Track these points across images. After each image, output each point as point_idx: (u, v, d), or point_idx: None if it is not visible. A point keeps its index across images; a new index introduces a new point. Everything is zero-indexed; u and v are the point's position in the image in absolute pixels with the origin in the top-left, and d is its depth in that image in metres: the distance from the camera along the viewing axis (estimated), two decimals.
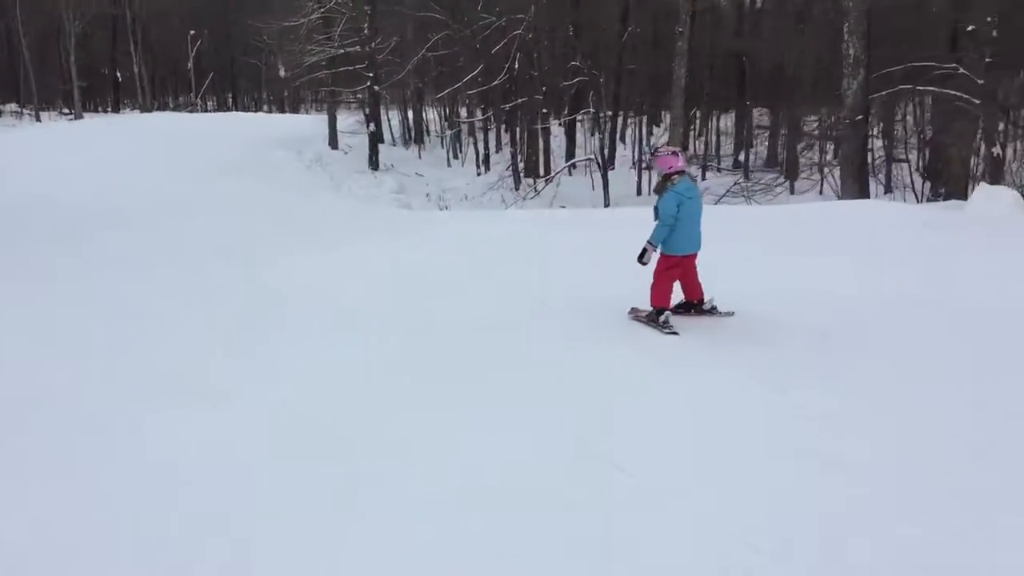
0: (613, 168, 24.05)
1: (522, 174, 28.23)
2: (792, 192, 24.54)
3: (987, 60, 13.22)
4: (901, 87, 16.17)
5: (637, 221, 7.95)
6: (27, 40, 51.99)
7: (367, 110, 33.06)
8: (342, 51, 32.03)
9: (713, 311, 7.14)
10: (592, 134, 25.56)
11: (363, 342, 7.14)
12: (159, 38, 60.38)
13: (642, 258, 6.76)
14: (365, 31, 31.07)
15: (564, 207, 24.50)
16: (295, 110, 71.54)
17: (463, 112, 38.74)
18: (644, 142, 28.89)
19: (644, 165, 30.20)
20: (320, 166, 30.90)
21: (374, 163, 32.31)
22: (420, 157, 36.01)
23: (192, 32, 56.08)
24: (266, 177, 26.48)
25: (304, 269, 10.45)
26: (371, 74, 31.61)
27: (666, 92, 29.44)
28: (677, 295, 7.13)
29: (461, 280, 9.36)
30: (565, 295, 8.26)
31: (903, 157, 21.82)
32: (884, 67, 15.84)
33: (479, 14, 26.67)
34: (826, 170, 23.33)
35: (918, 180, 20.34)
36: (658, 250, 6.81)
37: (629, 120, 33.48)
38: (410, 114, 40.39)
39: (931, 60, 15.10)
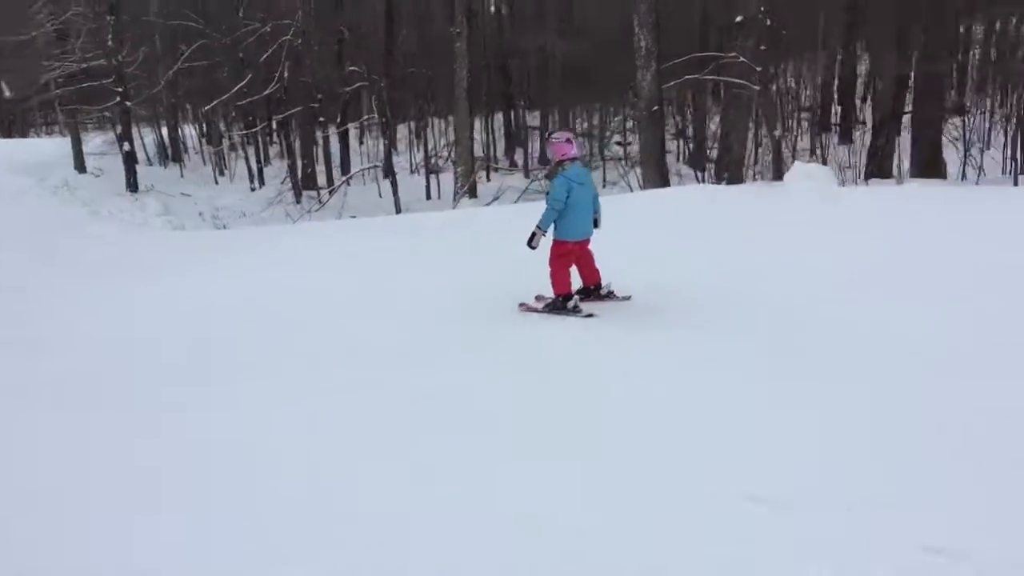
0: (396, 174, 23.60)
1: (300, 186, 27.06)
2: None
3: (763, 48, 14.16)
4: (686, 77, 17.01)
5: (490, 219, 7.70)
6: None
7: (118, 129, 30.35)
8: (84, 66, 29.19)
9: (611, 295, 7.11)
10: (379, 139, 24.93)
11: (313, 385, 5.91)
12: None
13: (531, 242, 6.67)
14: (109, 43, 28.46)
15: (354, 216, 23.79)
16: (23, 134, 64.69)
17: (222, 126, 36.70)
18: (425, 147, 28.62)
19: (429, 170, 30.11)
20: (68, 191, 27.97)
21: (132, 185, 29.70)
22: (183, 176, 33.64)
23: None
24: (6, 206, 23.62)
25: (128, 309, 8.95)
26: (120, 89, 29.05)
27: (443, 96, 29.55)
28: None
29: (361, 299, 8.46)
30: (472, 297, 7.73)
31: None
32: (671, 59, 16.55)
33: (240, 20, 25.18)
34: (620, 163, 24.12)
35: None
36: (547, 235, 6.71)
37: (408, 125, 33.10)
38: (165, 131, 37.70)
39: (716, 51, 16.15)
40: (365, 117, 23.89)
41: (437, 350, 6.25)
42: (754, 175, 19.95)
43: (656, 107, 15.65)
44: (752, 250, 8.80)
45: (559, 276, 6.74)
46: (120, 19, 28.98)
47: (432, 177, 26.27)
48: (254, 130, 27.48)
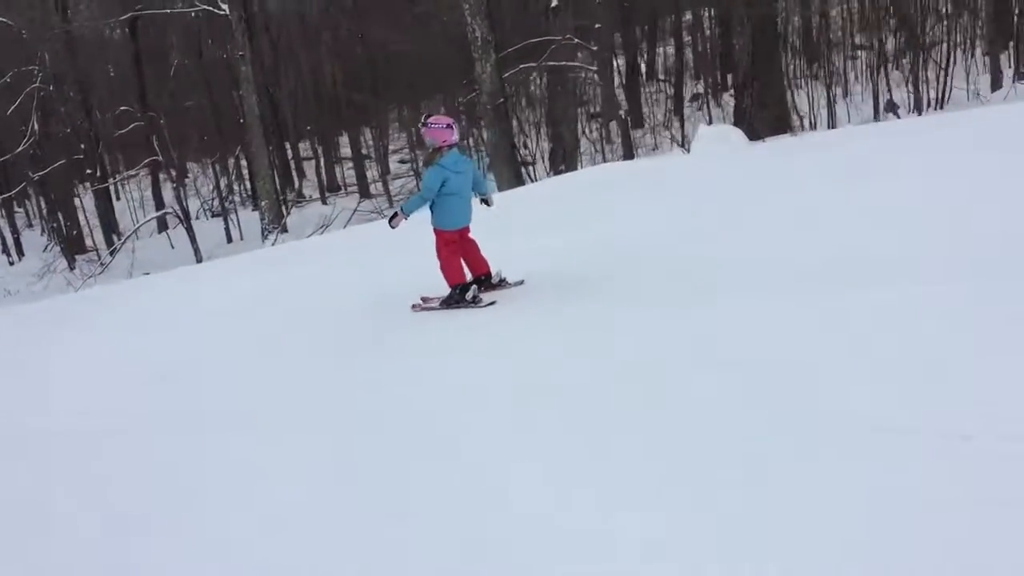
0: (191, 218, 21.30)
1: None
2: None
3: (597, 26, 13.87)
4: (523, 65, 16.38)
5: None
6: None
7: None
8: None
9: (503, 283, 6.69)
10: (148, 189, 22.45)
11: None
12: None
13: (392, 221, 6.46)
14: None
15: (148, 273, 21.33)
16: None
17: None
18: (218, 185, 26.32)
19: (213, 213, 27.72)
20: None
21: None
22: None
23: None
24: None
25: None
26: None
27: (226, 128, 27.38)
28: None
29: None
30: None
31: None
32: (503, 48, 15.81)
33: None
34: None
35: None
36: (420, 215, 6.41)
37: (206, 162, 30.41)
38: None
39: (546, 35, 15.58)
40: (154, 159, 21.18)
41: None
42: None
43: (501, 99, 14.94)
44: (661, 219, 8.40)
45: (450, 265, 6.33)
46: None
47: (229, 219, 24.20)
48: (9, 194, 24.02)
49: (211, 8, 19.71)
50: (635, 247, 7.41)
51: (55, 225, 23.48)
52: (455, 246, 6.36)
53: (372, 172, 29.27)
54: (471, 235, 6.59)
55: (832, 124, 18.44)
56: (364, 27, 26.72)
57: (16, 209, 31.95)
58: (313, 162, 32.16)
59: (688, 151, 13.25)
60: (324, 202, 27.04)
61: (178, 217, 21.13)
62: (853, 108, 20.82)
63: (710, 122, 23.84)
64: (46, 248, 27.66)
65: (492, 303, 6.22)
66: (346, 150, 31.44)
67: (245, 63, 19.43)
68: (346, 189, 29.30)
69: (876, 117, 19.40)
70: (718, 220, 7.77)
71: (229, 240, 23.44)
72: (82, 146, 23.33)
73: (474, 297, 6.27)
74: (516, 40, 16.75)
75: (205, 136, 27.34)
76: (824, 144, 10.95)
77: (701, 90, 29.38)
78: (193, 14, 21.41)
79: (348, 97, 27.41)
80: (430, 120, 6.35)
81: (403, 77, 27.20)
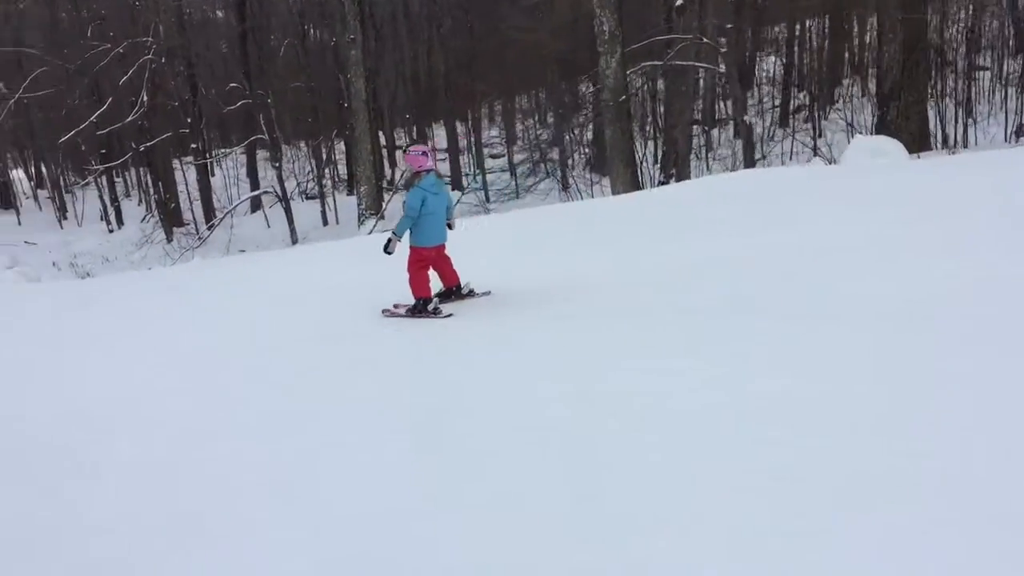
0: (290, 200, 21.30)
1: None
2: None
3: (728, 26, 13.28)
4: (646, 64, 15.85)
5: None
6: None
7: None
8: None
9: (471, 294, 7.44)
10: (272, 164, 22.49)
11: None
12: None
13: (387, 247, 7.02)
14: None
15: (244, 251, 21.46)
16: None
17: (55, 168, 32.89)
18: (319, 169, 26.40)
19: (306, 196, 27.87)
20: None
21: None
22: (20, 223, 29.88)
23: None
24: None
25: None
26: None
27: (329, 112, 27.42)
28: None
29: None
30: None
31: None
32: (628, 44, 15.23)
33: (90, 43, 22.30)
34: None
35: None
36: (402, 241, 7.03)
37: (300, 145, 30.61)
38: None
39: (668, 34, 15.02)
40: (259, 136, 21.19)
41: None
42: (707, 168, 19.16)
43: (624, 96, 14.38)
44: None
45: (417, 280, 7.09)
46: None
47: (328, 201, 24.22)
48: (116, 163, 24.42)
49: None
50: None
51: (157, 197, 23.75)
52: (426, 263, 7.10)
53: (463, 165, 29.07)
54: (446, 252, 7.31)
55: (964, 143, 17.50)
56: (472, 16, 26.41)
57: (115, 178, 32.74)
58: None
59: (832, 162, 12.50)
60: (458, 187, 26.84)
61: (277, 196, 21.17)
62: (980, 130, 19.82)
63: (819, 134, 22.99)
64: (144, 219, 28.19)
65: (450, 315, 6.93)
66: (439, 139, 31.26)
67: (355, 47, 19.28)
68: None
69: (1006, 139, 18.42)
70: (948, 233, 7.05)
71: (325, 223, 23.47)
72: (188, 120, 23.56)
73: (434, 309, 7.00)
74: (636, 37, 16.19)
75: (309, 119, 27.37)
76: (990, 163, 10.15)
77: (806, 101, 28.46)
78: None
79: (448, 87, 27.12)
80: (410, 148, 7.26)
81: (506, 68, 26.79)
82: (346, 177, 28.73)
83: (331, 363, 6.01)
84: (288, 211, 20.81)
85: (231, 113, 24.29)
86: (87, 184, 27.96)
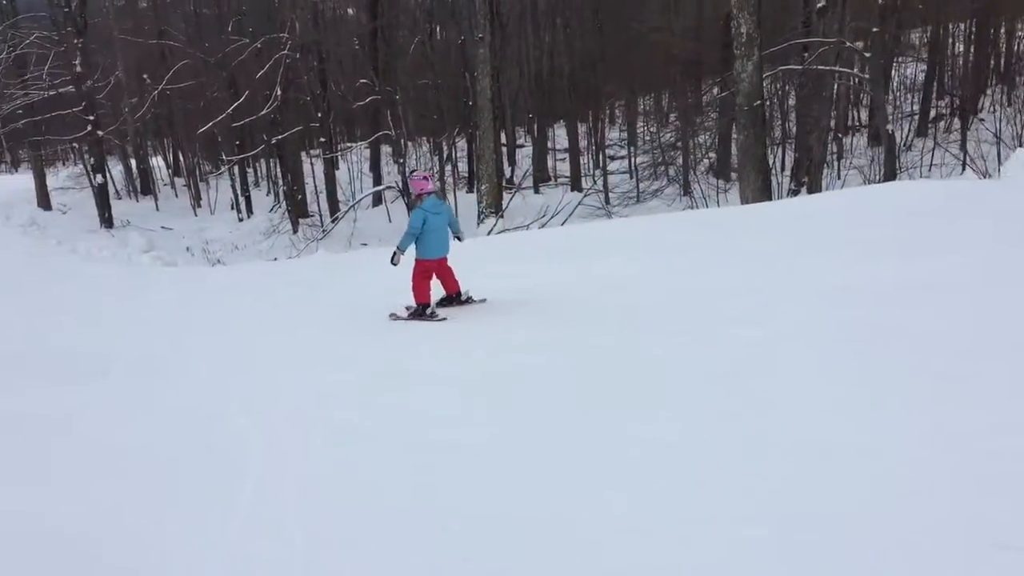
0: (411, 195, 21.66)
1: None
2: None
3: (875, 30, 12.65)
4: (784, 67, 15.36)
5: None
6: None
7: (91, 160, 28.00)
8: (52, 93, 26.93)
9: (469, 300, 8.39)
10: (395, 160, 22.90)
11: None
12: None
13: (392, 260, 7.88)
14: (77, 68, 26.22)
15: (365, 244, 21.91)
16: None
17: (188, 158, 34.42)
18: (441, 164, 26.70)
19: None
20: (39, 230, 25.65)
21: (107, 220, 27.43)
22: (158, 209, 31.38)
23: None
24: None
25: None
26: (91, 117, 26.81)
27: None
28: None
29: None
30: None
31: None
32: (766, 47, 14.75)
33: (230, 37, 23.20)
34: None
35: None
36: (405, 254, 7.89)
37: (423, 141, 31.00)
38: (133, 162, 35.33)
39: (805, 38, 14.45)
40: (386, 132, 21.66)
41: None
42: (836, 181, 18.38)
43: (759, 101, 13.96)
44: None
45: (419, 288, 7.98)
46: (88, 41, 26.88)
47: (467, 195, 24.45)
48: (249, 155, 25.36)
49: None
50: None
51: (285, 188, 24.49)
52: (428, 274, 8.00)
53: (583, 166, 28.82)
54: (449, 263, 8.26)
55: None
56: (602, 16, 26.14)
57: (246, 168, 34.00)
58: (524, 150, 32.18)
59: (986, 176, 11.69)
60: (536, 191, 26.82)
61: (399, 192, 21.50)
62: None
63: (963, 145, 21.70)
64: (272, 209, 29.15)
65: (444, 319, 7.91)
66: (559, 139, 31.09)
67: (483, 46, 19.39)
68: (555, 180, 28.97)
69: None
70: None
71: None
72: (318, 115, 24.22)
73: (431, 313, 7.96)
74: (772, 40, 15.59)
75: (434, 116, 27.69)
76: None
77: (947, 110, 27.03)
78: None
79: (572, 86, 26.95)
80: (413, 174, 8.32)
81: (632, 69, 26.43)
82: (466, 175, 28.96)
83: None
84: (410, 207, 21.11)
85: (358, 108, 24.86)
86: (221, 174, 29.09)
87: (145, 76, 30.24)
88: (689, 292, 7.55)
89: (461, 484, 4.04)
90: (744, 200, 14.05)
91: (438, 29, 31.40)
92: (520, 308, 8.00)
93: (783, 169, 20.73)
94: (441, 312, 8.06)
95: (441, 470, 4.22)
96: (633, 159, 26.61)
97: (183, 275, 15.56)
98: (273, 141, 23.32)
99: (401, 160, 21.72)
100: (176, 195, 34.88)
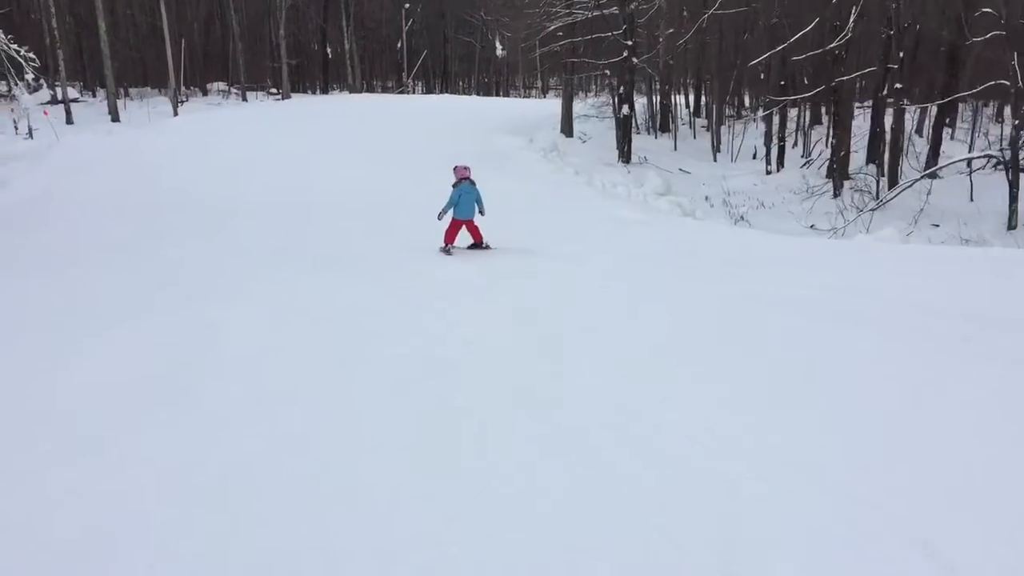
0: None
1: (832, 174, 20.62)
2: None
3: None
4: None
5: None
6: (237, 16, 49.28)
7: (620, 89, 26.31)
8: (596, 14, 25.58)
9: (487, 247, 10.98)
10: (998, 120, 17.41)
11: None
12: (370, 12, 56.27)
13: (439, 217, 10.65)
14: None
15: (937, 226, 16.85)
16: (506, 93, 66.30)
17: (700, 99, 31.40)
18: None
19: None
20: (559, 156, 24.71)
21: (625, 155, 25.74)
22: (676, 148, 29.04)
23: (407, 5, 51.53)
24: (504, 169, 20.57)
25: None
26: (629, 42, 24.92)
27: None
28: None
29: None
30: None
31: None
32: None
33: None
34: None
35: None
36: (449, 214, 10.62)
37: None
38: (657, 97, 33.50)
39: None
40: (995, 82, 16.15)
41: None
42: None
43: None
44: None
45: (449, 234, 10.68)
46: None
47: None
48: (801, 97, 21.41)
49: None
50: None
51: (835, 142, 20.11)
52: (457, 227, 10.68)
53: None
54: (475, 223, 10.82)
55: None
56: None
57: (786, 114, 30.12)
58: None
59: None
60: None
61: (1000, 161, 15.94)
62: None
63: None
64: (803, 164, 25.07)
65: (450, 254, 10.54)
66: None
67: None
68: None
69: None
70: None
71: None
72: (899, 55, 19.17)
73: (447, 251, 10.64)
74: None
75: None
76: None
77: None
78: None
79: None
80: (457, 166, 10.90)
81: None
82: None
83: None
84: (1015, 184, 15.46)
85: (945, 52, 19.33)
86: (762, 117, 25.54)
87: (683, 9, 27.84)
88: None
89: None
90: None
91: None
92: None
93: None
94: (456, 252, 10.66)
95: None
96: None
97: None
98: (833, 83, 18.96)
99: (1017, 122, 15.92)
100: (694, 136, 32.39)
